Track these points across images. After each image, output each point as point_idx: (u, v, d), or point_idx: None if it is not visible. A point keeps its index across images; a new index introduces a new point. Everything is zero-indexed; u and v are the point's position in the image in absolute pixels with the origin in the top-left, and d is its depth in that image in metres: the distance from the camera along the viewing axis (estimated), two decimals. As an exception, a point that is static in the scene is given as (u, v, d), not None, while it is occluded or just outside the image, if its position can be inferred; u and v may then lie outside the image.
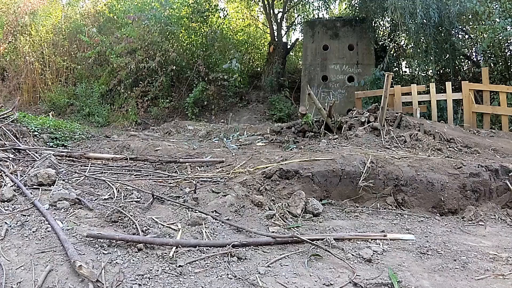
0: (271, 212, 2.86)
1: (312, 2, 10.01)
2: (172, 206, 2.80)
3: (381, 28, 9.04)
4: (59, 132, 5.19)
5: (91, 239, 2.09)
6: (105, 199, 2.86)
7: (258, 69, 11.15)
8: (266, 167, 3.47)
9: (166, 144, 4.69)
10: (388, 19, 8.10)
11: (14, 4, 10.41)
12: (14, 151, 3.96)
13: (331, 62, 8.33)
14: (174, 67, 8.63)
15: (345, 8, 10.41)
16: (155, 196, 2.84)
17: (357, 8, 8.81)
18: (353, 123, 4.87)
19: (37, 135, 4.86)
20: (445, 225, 2.99)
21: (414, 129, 4.71)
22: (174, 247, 2.11)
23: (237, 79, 8.71)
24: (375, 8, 7.78)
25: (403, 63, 8.97)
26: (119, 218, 2.44)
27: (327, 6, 9.60)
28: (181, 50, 9.15)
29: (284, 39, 10.84)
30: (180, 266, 1.94)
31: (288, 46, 10.38)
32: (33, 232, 2.18)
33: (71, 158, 3.96)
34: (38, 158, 3.71)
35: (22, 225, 2.26)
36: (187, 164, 3.89)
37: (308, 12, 10.47)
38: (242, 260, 2.07)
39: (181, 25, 9.06)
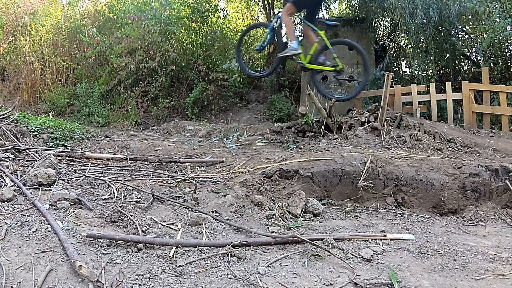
0: (271, 212, 2.86)
1: (312, 2, 9.99)
2: (172, 206, 2.80)
3: (381, 28, 9.04)
4: (59, 132, 5.19)
5: (91, 239, 2.09)
6: (105, 199, 2.86)
7: (258, 69, 11.15)
8: (266, 167, 3.47)
9: (166, 144, 4.69)
10: (388, 19, 8.10)
11: (14, 4, 10.41)
12: (14, 151, 3.96)
13: (331, 62, 8.32)
14: (174, 67, 8.63)
15: (345, 8, 10.40)
16: (155, 196, 2.84)
17: (357, 8, 8.80)
18: (353, 123, 4.88)
19: (37, 135, 4.86)
20: (445, 225, 2.99)
21: (414, 129, 4.71)
22: (174, 247, 2.11)
23: (237, 79, 8.72)
24: (375, 8, 7.78)
25: (403, 63, 8.98)
26: (119, 218, 2.44)
27: (327, 6, 9.60)
28: (181, 50, 9.15)
29: (284, 39, 10.84)
30: (180, 266, 1.94)
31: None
32: (33, 232, 2.17)
33: (71, 158, 3.96)
34: (38, 158, 3.71)
35: (22, 225, 2.26)
36: (187, 164, 3.89)
37: (308, 12, 10.46)
38: (242, 260, 2.07)
39: (181, 25, 9.06)
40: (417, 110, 5.77)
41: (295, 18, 5.26)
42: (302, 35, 5.42)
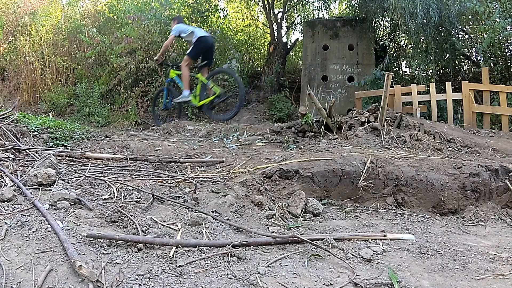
0: (271, 212, 2.86)
1: (312, 2, 10.02)
2: (172, 206, 2.80)
3: (381, 28, 9.05)
4: (59, 132, 5.18)
5: (91, 239, 2.09)
6: (105, 199, 2.86)
7: (258, 69, 11.15)
8: (266, 167, 3.47)
9: (166, 144, 4.69)
10: (388, 19, 8.10)
11: (14, 4, 10.42)
12: (14, 151, 3.96)
13: (331, 62, 8.33)
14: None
15: (345, 8, 10.41)
16: (155, 196, 2.84)
17: (357, 8, 8.82)
18: (353, 123, 4.88)
19: (37, 135, 4.86)
20: (445, 225, 2.99)
21: (414, 129, 4.71)
22: (174, 247, 2.11)
23: (237, 79, 8.71)
24: (375, 8, 7.79)
25: (403, 63, 8.98)
26: (119, 218, 2.44)
27: (327, 6, 9.61)
28: (181, 50, 9.16)
29: (284, 39, 10.85)
30: (180, 266, 1.94)
31: (288, 46, 10.39)
32: (33, 232, 2.17)
33: (71, 158, 3.96)
34: (38, 158, 3.71)
35: (22, 225, 2.26)
36: (187, 164, 3.89)
37: (308, 12, 10.48)
38: (242, 260, 2.07)
39: (181, 25, 9.06)
40: (417, 110, 5.77)
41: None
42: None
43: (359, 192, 3.34)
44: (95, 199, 2.84)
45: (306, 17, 10.43)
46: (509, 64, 7.36)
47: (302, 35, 9.74)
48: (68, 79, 9.92)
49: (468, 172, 3.38)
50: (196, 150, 4.43)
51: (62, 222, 2.31)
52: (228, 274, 1.90)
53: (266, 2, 10.00)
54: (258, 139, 5.15)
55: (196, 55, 6.10)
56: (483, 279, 1.99)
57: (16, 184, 2.91)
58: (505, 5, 6.20)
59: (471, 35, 8.09)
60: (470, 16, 7.36)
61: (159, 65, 7.35)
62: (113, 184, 3.16)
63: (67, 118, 8.20)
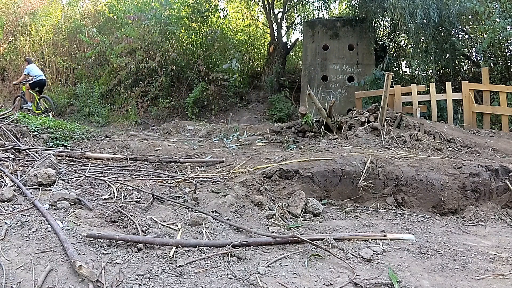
0: (271, 212, 2.86)
1: (312, 2, 10.03)
2: (172, 206, 2.80)
3: (381, 28, 9.06)
4: (59, 132, 5.19)
5: (91, 239, 2.09)
6: (105, 199, 2.86)
7: (258, 69, 11.16)
8: (266, 167, 3.47)
9: (166, 144, 4.69)
10: (388, 19, 8.11)
11: (14, 4, 10.42)
12: (14, 151, 3.96)
13: (331, 62, 8.34)
14: (174, 67, 8.65)
15: (345, 8, 10.42)
16: (155, 196, 2.84)
17: (357, 8, 8.82)
18: (353, 123, 4.88)
19: (37, 135, 4.86)
20: (445, 225, 2.99)
21: (414, 129, 4.71)
22: (174, 247, 2.11)
23: (237, 79, 8.73)
24: (375, 8, 7.79)
25: (403, 63, 8.99)
26: (119, 218, 2.44)
27: (327, 6, 9.62)
28: (181, 50, 9.17)
29: (284, 39, 10.86)
30: (180, 266, 1.94)
31: (288, 46, 10.39)
32: (33, 232, 2.17)
33: (71, 158, 3.96)
34: (38, 158, 3.71)
35: (22, 225, 2.26)
36: (187, 164, 3.89)
37: (308, 12, 10.49)
38: (242, 260, 2.07)
39: (181, 25, 9.08)
40: (417, 110, 5.77)
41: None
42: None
43: (359, 192, 3.34)
44: (95, 199, 2.84)
45: (306, 17, 10.43)
46: (509, 64, 7.36)
47: (302, 35, 9.74)
48: (68, 79, 9.93)
49: (468, 172, 3.38)
50: (196, 150, 4.43)
51: (62, 222, 2.31)
52: (228, 274, 1.90)
53: (266, 2, 10.00)
54: (258, 139, 5.15)
55: (33, 87, 8.23)
56: (483, 279, 1.99)
57: (16, 184, 2.91)
58: (505, 5, 6.19)
59: (471, 35, 8.09)
60: (470, 16, 7.36)
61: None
62: (113, 184, 3.16)
63: (67, 118, 8.20)
